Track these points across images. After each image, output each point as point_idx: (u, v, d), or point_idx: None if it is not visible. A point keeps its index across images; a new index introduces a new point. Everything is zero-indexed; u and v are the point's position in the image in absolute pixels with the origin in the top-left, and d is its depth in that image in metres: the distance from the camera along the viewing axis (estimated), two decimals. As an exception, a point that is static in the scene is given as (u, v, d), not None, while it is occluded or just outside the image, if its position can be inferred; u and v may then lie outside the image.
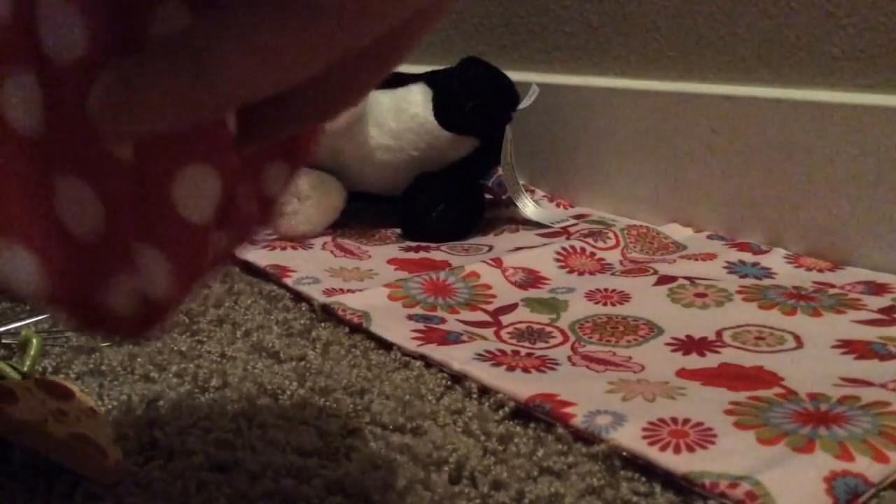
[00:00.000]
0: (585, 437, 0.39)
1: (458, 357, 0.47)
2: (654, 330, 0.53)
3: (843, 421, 0.39)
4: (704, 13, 0.73)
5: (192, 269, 0.24)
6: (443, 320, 0.55)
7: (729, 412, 0.41)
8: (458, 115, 0.73)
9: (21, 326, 0.52)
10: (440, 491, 0.36)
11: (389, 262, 0.68)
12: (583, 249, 0.67)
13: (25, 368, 0.45)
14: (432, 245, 0.73)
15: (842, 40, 0.65)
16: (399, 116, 0.74)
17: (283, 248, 0.70)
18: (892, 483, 0.36)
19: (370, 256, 0.69)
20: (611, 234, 0.70)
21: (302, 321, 0.54)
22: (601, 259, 0.67)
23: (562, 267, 0.65)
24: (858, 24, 0.63)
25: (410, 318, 0.54)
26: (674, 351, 0.50)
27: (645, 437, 0.38)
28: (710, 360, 0.48)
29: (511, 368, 0.46)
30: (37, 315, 0.53)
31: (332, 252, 0.70)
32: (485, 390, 0.44)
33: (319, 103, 0.23)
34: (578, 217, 0.79)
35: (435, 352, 0.48)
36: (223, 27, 0.17)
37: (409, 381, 0.46)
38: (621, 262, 0.66)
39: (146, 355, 0.49)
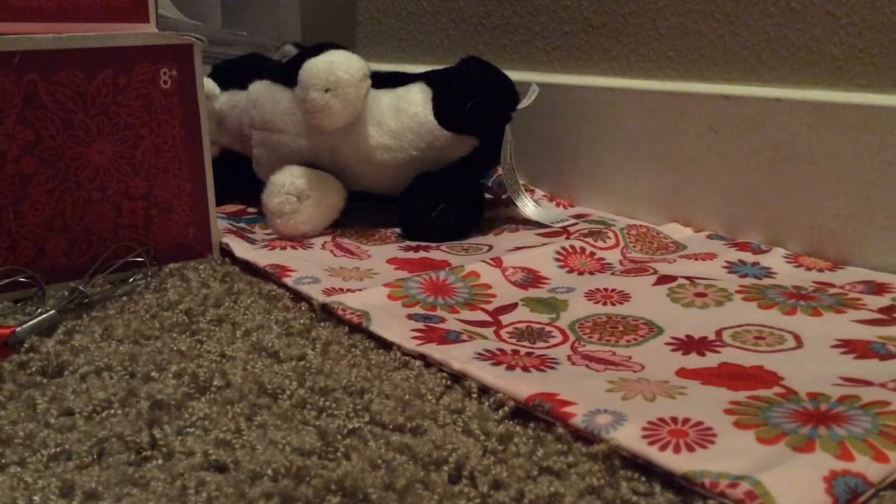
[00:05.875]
0: (585, 437, 0.39)
1: (457, 356, 0.47)
2: (654, 329, 0.53)
3: (842, 420, 0.39)
4: (704, 13, 0.73)
5: None
6: (442, 319, 0.55)
7: (729, 412, 0.41)
8: (457, 114, 0.73)
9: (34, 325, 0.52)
10: (440, 491, 0.36)
11: (389, 261, 0.68)
12: (583, 249, 0.67)
13: None
14: (432, 245, 0.73)
15: (842, 40, 0.65)
16: (399, 116, 0.74)
17: (283, 248, 0.70)
18: (891, 483, 0.36)
19: (370, 256, 0.69)
20: (611, 234, 0.70)
21: (301, 321, 0.54)
22: (601, 259, 0.67)
23: (561, 266, 0.65)
24: (858, 24, 0.63)
25: (410, 317, 0.54)
26: (673, 350, 0.50)
27: (645, 437, 0.38)
28: (710, 360, 0.48)
29: (511, 368, 0.46)
30: (41, 315, 0.53)
31: (331, 252, 0.70)
32: (484, 390, 0.44)
33: None
34: (578, 217, 0.79)
35: (434, 351, 0.48)
36: None
37: (409, 381, 0.46)
38: (621, 262, 0.67)
39: (146, 355, 0.49)
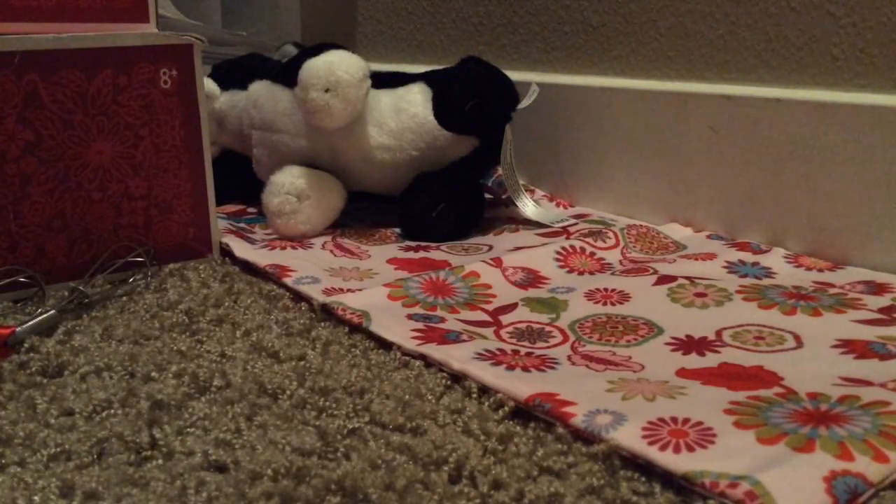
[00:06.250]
0: (585, 437, 0.39)
1: (457, 356, 0.47)
2: (654, 329, 0.53)
3: (842, 420, 0.39)
4: (704, 13, 0.73)
5: None
6: (442, 319, 0.55)
7: (729, 412, 0.41)
8: (457, 114, 0.73)
9: (34, 325, 0.52)
10: (440, 491, 0.36)
11: (389, 261, 0.68)
12: (583, 249, 0.67)
13: None
14: (432, 245, 0.73)
15: (842, 40, 0.65)
16: (399, 116, 0.74)
17: (283, 248, 0.70)
18: (891, 483, 0.36)
19: (370, 256, 0.69)
20: (611, 234, 0.70)
21: (301, 321, 0.54)
22: (601, 259, 0.67)
23: (561, 266, 0.65)
24: (858, 24, 0.63)
25: (410, 317, 0.54)
26: (673, 350, 0.50)
27: (645, 437, 0.38)
28: (710, 360, 0.48)
29: (511, 368, 0.46)
30: (41, 315, 0.53)
31: (331, 252, 0.70)
32: (484, 390, 0.44)
33: None
34: (578, 217, 0.79)
35: (435, 351, 0.48)
36: None
37: (409, 381, 0.46)
38: (621, 262, 0.66)
39: (146, 355, 0.49)
